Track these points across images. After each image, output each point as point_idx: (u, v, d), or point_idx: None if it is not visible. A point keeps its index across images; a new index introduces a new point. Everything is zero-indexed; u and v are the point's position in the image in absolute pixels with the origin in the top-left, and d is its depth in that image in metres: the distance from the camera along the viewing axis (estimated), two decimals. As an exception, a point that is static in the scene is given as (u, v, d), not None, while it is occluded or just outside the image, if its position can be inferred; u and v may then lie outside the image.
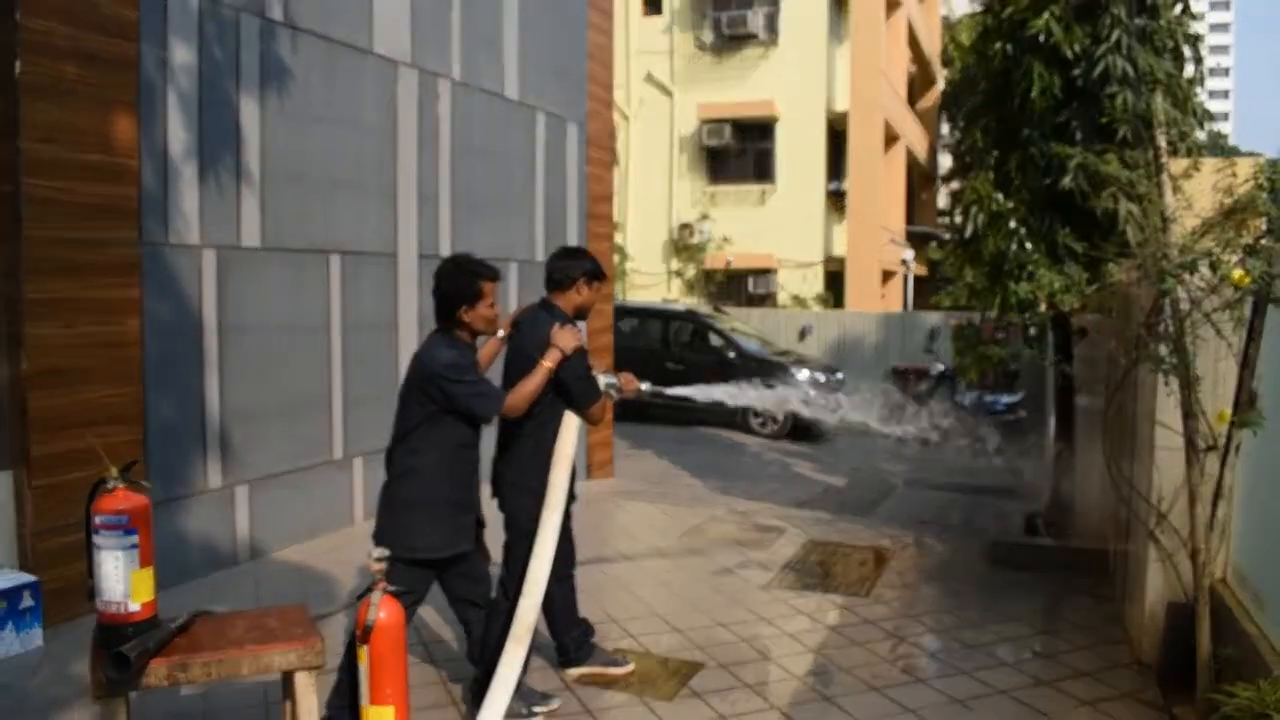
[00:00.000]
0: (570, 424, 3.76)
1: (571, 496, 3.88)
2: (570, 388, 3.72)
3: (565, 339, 3.67)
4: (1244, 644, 3.58)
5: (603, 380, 3.88)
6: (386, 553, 2.98)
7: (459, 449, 3.55)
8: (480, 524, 3.71)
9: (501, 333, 3.89)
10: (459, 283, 3.52)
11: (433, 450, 3.49)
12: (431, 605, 4.64)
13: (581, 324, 3.98)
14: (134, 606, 2.62)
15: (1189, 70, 6.30)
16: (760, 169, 19.72)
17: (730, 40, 19.42)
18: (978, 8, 7.72)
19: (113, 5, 4.79)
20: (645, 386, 4.08)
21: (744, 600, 5.34)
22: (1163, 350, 3.83)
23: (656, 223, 20.14)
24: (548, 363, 3.62)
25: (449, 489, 3.52)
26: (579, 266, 3.94)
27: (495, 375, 3.80)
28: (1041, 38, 5.88)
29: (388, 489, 3.55)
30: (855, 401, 4.88)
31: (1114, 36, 5.70)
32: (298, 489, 6.09)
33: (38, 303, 4.50)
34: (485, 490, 3.82)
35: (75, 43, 4.61)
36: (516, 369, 3.76)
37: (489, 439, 3.77)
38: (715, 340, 13.29)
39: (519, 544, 3.79)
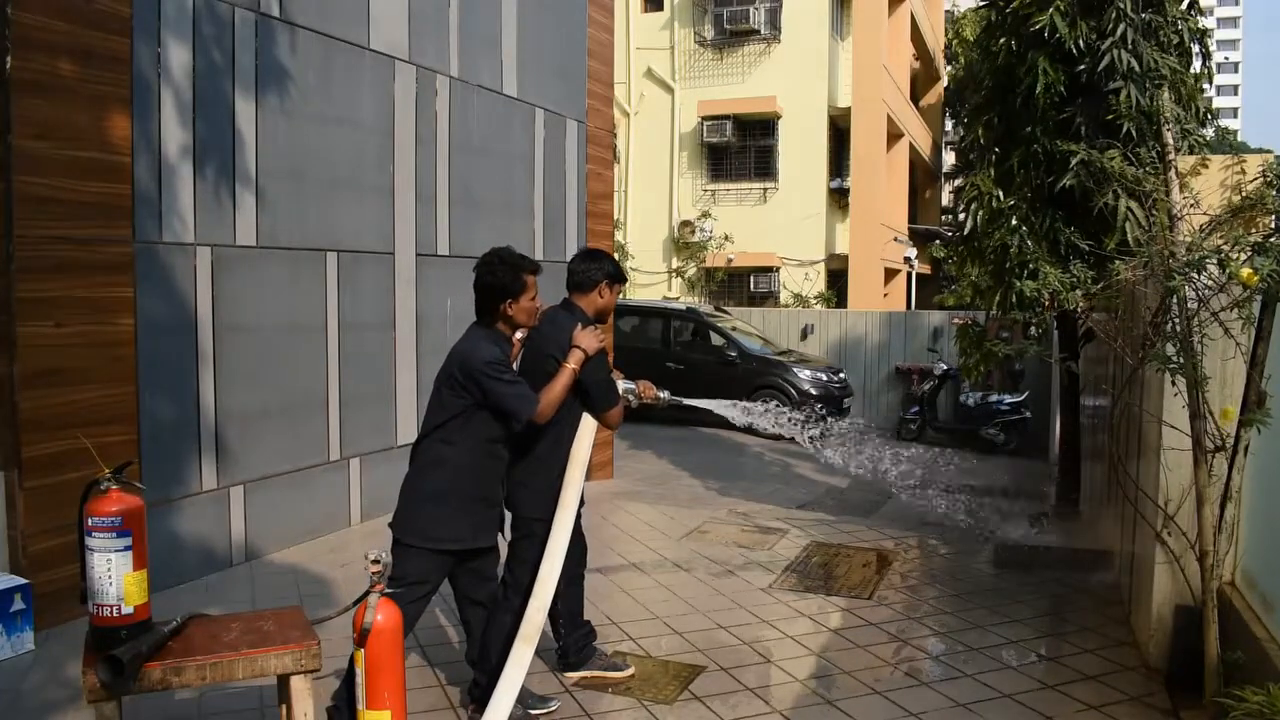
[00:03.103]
0: (587, 427, 3.74)
1: (580, 500, 3.85)
2: (590, 390, 3.71)
3: (588, 340, 3.65)
4: (1253, 647, 3.53)
5: (621, 386, 3.89)
6: (383, 555, 2.94)
7: (489, 444, 3.54)
8: (504, 520, 3.70)
9: (521, 334, 3.86)
10: (503, 277, 3.50)
11: (463, 444, 3.47)
12: (428, 608, 4.60)
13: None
14: (127, 609, 2.61)
15: (1195, 66, 6.26)
16: (762, 166, 19.63)
17: (732, 36, 19.34)
18: (982, 2, 7.68)
19: (106, 0, 4.74)
20: (664, 395, 4.06)
21: (745, 602, 5.29)
22: (1170, 349, 3.78)
23: (657, 220, 20.07)
24: (571, 364, 3.59)
25: (476, 483, 3.51)
26: (601, 269, 3.94)
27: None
28: (1046, 32, 5.84)
29: (412, 479, 3.54)
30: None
31: (1119, 31, 5.67)
32: (294, 490, 6.04)
33: (29, 302, 4.45)
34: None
35: (68, 38, 4.57)
36: (533, 369, 3.73)
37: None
38: (716, 339, 13.20)
39: (523, 544, 3.78)
